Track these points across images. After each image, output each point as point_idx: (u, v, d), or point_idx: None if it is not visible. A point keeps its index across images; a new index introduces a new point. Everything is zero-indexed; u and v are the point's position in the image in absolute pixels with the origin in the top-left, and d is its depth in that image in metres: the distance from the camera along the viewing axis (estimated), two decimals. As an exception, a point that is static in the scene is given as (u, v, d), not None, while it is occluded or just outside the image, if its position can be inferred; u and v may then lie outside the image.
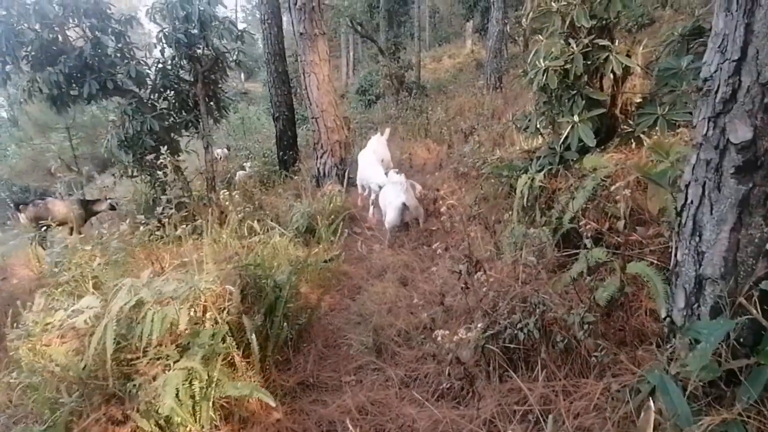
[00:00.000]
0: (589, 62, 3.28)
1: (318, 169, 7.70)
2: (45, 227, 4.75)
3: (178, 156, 7.20)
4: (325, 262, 4.46)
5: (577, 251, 2.54)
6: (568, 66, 3.25)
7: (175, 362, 2.37)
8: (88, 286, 2.99)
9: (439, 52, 23.99)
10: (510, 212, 3.49)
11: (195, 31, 6.71)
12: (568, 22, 3.27)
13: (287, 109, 10.16)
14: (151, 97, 7.00)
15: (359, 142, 8.98)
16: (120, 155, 6.95)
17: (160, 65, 6.99)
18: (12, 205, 6.95)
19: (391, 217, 4.83)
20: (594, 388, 1.83)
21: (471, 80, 14.58)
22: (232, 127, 16.83)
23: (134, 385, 2.32)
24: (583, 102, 3.30)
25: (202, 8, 6.61)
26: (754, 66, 1.41)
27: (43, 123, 14.24)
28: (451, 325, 3.07)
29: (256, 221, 4.68)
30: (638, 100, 3.60)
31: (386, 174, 5.68)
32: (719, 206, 1.52)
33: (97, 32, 6.41)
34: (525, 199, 3.43)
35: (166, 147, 4.99)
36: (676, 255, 1.73)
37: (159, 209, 3.98)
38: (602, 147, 3.53)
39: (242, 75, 28.52)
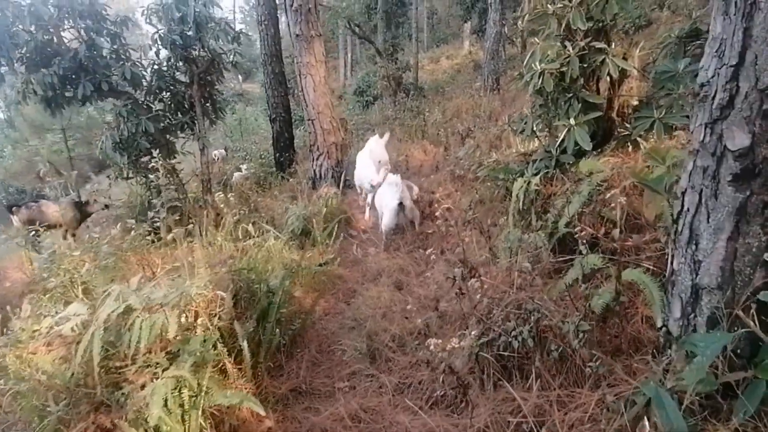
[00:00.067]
0: (585, 65, 3.25)
1: (314, 171, 7.66)
2: (34, 231, 4.69)
3: (174, 158, 7.18)
4: (320, 265, 4.42)
5: (573, 256, 2.51)
6: (564, 69, 3.22)
7: (164, 370, 2.33)
8: (78, 292, 2.95)
9: (436, 54, 23.98)
10: (506, 216, 3.45)
11: (190, 32, 6.66)
12: (564, 25, 3.24)
13: (284, 110, 10.14)
14: (147, 98, 6.96)
15: (356, 144, 8.94)
16: (115, 157, 6.92)
17: (155, 67, 6.95)
18: (5, 207, 6.89)
19: (386, 219, 4.79)
20: (589, 398, 1.80)
21: (469, 81, 14.56)
22: (230, 128, 16.80)
23: (122, 394, 2.28)
24: (580, 105, 3.27)
25: (197, 10, 6.58)
26: (752, 71, 1.38)
27: (38, 124, 14.19)
28: (445, 331, 3.04)
29: (251, 224, 4.64)
30: (635, 103, 3.57)
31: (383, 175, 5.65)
32: (716, 214, 1.48)
33: (92, 33, 6.37)
34: (521, 203, 3.40)
35: (158, 150, 4.93)
36: (672, 263, 1.70)
37: (150, 213, 3.93)
38: (599, 150, 3.50)
39: (240, 76, 28.45)
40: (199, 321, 2.68)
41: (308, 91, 7.26)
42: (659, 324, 1.75)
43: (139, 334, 2.22)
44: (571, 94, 3.37)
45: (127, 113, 6.53)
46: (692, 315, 1.57)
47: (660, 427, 1.30)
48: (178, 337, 2.48)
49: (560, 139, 3.37)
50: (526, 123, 3.83)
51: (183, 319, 2.59)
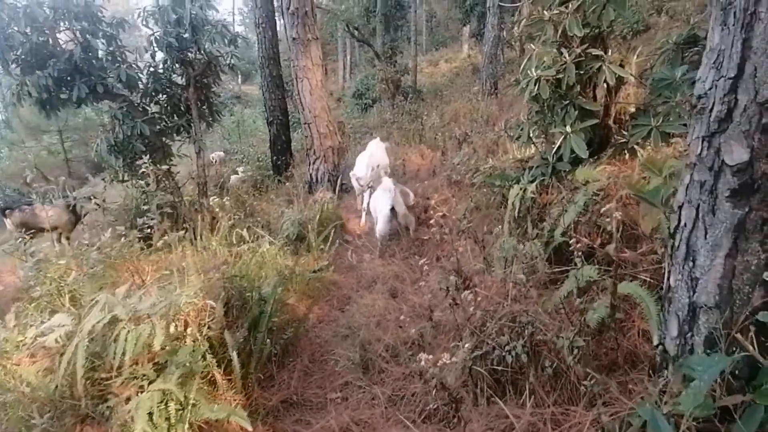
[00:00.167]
0: (581, 72, 3.21)
1: (310, 175, 7.62)
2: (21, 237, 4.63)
3: (170, 161, 7.12)
4: (314, 272, 4.37)
5: (569, 267, 2.46)
6: (560, 76, 3.18)
7: (150, 382, 2.28)
8: (64, 301, 2.89)
9: (435, 57, 23.98)
10: (502, 224, 3.41)
11: (187, 35, 6.62)
12: (560, 31, 3.20)
13: (281, 113, 10.09)
14: (143, 101, 6.90)
15: (353, 148, 8.90)
16: (110, 160, 6.85)
17: (151, 69, 6.90)
18: (-1, 209, 6.83)
19: (380, 225, 4.76)
20: (584, 417, 1.75)
21: (467, 85, 14.55)
22: (228, 130, 16.75)
23: (108, 407, 2.23)
24: (576, 112, 3.23)
25: (194, 12, 6.53)
26: (751, 84, 1.33)
27: (34, 126, 14.13)
28: (440, 341, 2.99)
29: (245, 229, 4.60)
30: (632, 110, 3.53)
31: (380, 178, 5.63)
32: (714, 230, 1.44)
33: (87, 35, 6.32)
34: (516, 211, 3.36)
35: (154, 153, 4.88)
36: (668, 279, 1.65)
37: (140, 220, 3.88)
38: (595, 158, 3.46)
39: (239, 78, 28.44)
40: (189, 330, 2.64)
41: (305, 94, 7.22)
42: (656, 342, 1.70)
43: (125, 346, 2.17)
44: (567, 101, 3.33)
45: (123, 116, 6.47)
46: (689, 334, 1.53)
47: (655, 453, 1.26)
48: (167, 347, 2.44)
49: (556, 146, 3.33)
50: (522, 129, 3.79)
51: (172, 329, 2.54)
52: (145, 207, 4.57)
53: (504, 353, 2.08)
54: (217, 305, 2.80)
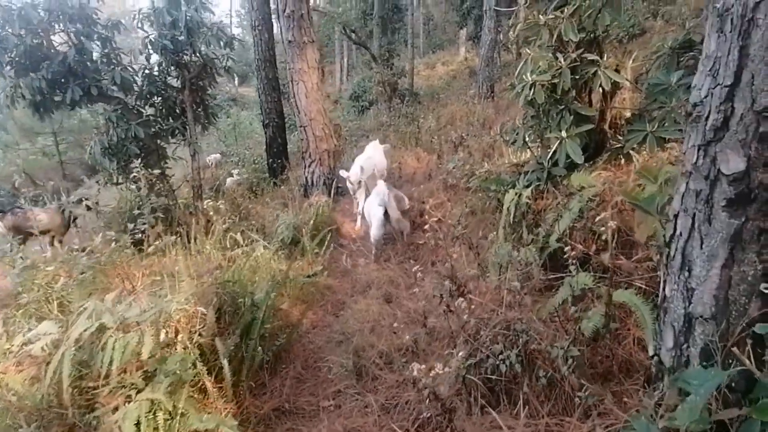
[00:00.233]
0: (577, 77, 3.19)
1: (306, 178, 7.58)
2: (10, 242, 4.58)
3: (165, 163, 7.08)
4: (308, 277, 4.34)
5: (564, 274, 2.44)
6: (555, 80, 3.16)
7: (138, 391, 2.24)
8: (53, 308, 2.85)
9: (432, 59, 24.00)
10: (497, 229, 3.39)
11: (182, 37, 6.58)
12: (556, 36, 3.18)
13: (277, 116, 10.06)
14: (137, 103, 6.86)
15: (350, 151, 8.88)
16: (104, 162, 6.81)
17: (146, 71, 6.86)
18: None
19: (373, 229, 4.74)
20: (578, 429, 1.72)
21: (464, 87, 14.54)
22: (224, 132, 16.70)
23: (94, 417, 2.19)
24: (572, 117, 3.22)
25: (189, 15, 6.50)
26: (748, 92, 1.31)
27: (29, 128, 14.05)
28: (434, 348, 2.96)
29: (239, 233, 4.56)
30: (628, 115, 3.52)
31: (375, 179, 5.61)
32: (710, 240, 1.41)
33: (82, 37, 6.28)
34: (512, 216, 3.33)
35: (143, 158, 4.84)
36: (664, 289, 1.62)
37: (131, 225, 3.84)
38: (591, 162, 3.44)
39: (236, 80, 28.40)
40: (179, 338, 2.60)
41: (300, 97, 7.19)
42: (651, 352, 1.67)
43: (112, 355, 2.13)
44: (562, 106, 3.31)
45: (117, 118, 6.42)
46: (685, 345, 1.50)
47: (650, 468, 1.23)
48: (157, 355, 2.40)
49: (552, 151, 3.31)
50: (518, 134, 3.77)
51: (162, 336, 2.50)
52: (137, 212, 4.51)
53: (498, 362, 2.05)
54: (209, 312, 2.77)
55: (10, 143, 15.18)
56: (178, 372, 2.33)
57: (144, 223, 3.70)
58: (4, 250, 3.29)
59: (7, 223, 6.52)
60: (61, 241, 6.93)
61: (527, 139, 3.78)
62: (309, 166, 7.48)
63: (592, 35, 3.31)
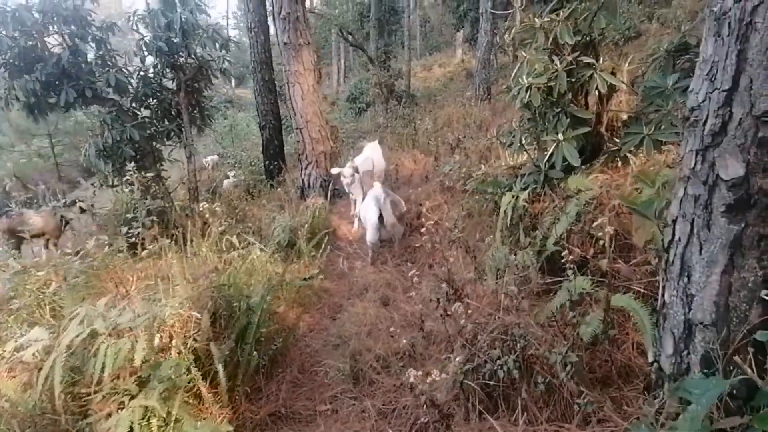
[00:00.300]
0: (573, 80, 3.18)
1: (303, 180, 7.56)
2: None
3: (161, 165, 7.05)
4: (305, 279, 4.31)
5: (562, 278, 2.42)
6: (551, 83, 3.15)
7: (132, 398, 2.21)
8: (45, 313, 2.81)
9: (429, 61, 24.01)
10: (494, 232, 3.37)
11: (177, 39, 6.55)
12: (551, 39, 3.17)
13: (274, 117, 10.04)
14: (132, 105, 6.83)
15: (346, 153, 8.86)
16: (99, 164, 6.78)
17: (142, 73, 6.83)
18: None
19: (369, 234, 4.73)
20: (577, 436, 1.71)
21: (461, 89, 14.54)
22: (221, 134, 16.65)
23: (87, 424, 2.16)
24: (568, 120, 3.21)
25: (184, 17, 6.47)
26: (747, 96, 1.29)
27: (24, 129, 13.96)
28: (431, 352, 2.94)
29: (235, 236, 4.53)
30: (624, 118, 3.51)
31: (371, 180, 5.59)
32: (709, 246, 1.40)
33: (76, 39, 6.25)
34: (509, 219, 3.32)
35: (139, 160, 4.81)
36: (663, 295, 1.61)
37: (124, 229, 3.80)
38: (588, 165, 3.43)
39: (232, 81, 28.35)
40: (173, 343, 2.57)
41: (296, 99, 7.17)
42: (651, 359, 1.66)
43: (104, 361, 2.10)
44: (559, 109, 3.31)
45: (112, 120, 6.40)
46: (685, 352, 1.49)
47: (650, 477, 1.21)
48: (150, 360, 2.37)
49: (548, 154, 3.30)
50: (514, 136, 3.76)
51: (156, 341, 2.47)
52: (129, 215, 4.47)
53: (496, 368, 2.03)
54: (204, 316, 2.74)
55: (6, 145, 15.08)
56: (172, 377, 2.31)
57: (138, 227, 3.66)
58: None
59: (2, 225, 6.47)
60: (56, 244, 6.89)
61: (524, 141, 3.77)
62: (305, 168, 7.46)
63: (587, 38, 3.30)
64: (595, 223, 1.93)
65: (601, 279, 2.30)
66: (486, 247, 3.34)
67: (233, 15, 42.92)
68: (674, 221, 1.54)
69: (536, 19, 3.24)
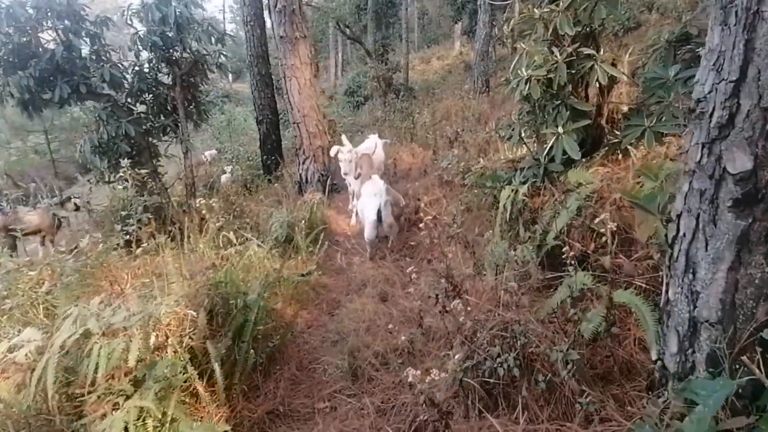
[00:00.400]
0: (573, 71, 3.13)
1: (300, 175, 7.51)
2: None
3: (157, 161, 6.99)
4: (302, 275, 4.27)
5: (562, 274, 2.39)
6: (551, 75, 3.10)
7: (127, 398, 2.18)
8: (38, 312, 2.77)
9: (427, 54, 23.88)
10: (493, 227, 3.33)
11: (171, 33, 6.48)
12: (551, 30, 3.12)
13: (271, 112, 9.96)
14: (128, 101, 6.76)
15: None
16: (94, 161, 6.71)
17: (137, 68, 6.76)
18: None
19: (366, 232, 4.70)
20: (579, 435, 1.67)
21: (459, 82, 14.46)
22: (217, 129, 16.56)
23: (82, 425, 2.13)
24: (568, 113, 3.16)
25: (179, 11, 6.39)
26: (755, 88, 1.25)
27: (19, 125, 13.87)
28: (430, 348, 2.91)
29: (232, 232, 4.49)
30: (625, 110, 3.46)
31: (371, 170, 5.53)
32: (715, 242, 1.36)
33: (70, 34, 6.17)
34: (508, 213, 3.28)
35: (135, 156, 4.76)
36: (667, 292, 1.57)
37: (118, 227, 3.76)
38: (588, 158, 3.39)
39: (230, 76, 28.17)
40: (168, 341, 2.54)
41: (293, 93, 7.10)
42: (654, 357, 1.62)
43: (97, 361, 2.07)
44: (559, 101, 3.26)
45: (107, 116, 6.34)
46: (690, 351, 1.45)
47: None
48: (145, 360, 2.34)
49: (548, 147, 3.26)
50: (513, 129, 3.71)
51: (152, 340, 2.44)
52: (124, 213, 4.43)
53: (496, 365, 1.99)
54: (200, 314, 2.70)
55: (1, 141, 14.99)
56: (167, 377, 2.28)
57: (132, 224, 3.62)
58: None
59: (-2, 222, 6.44)
60: (52, 241, 6.85)
61: (523, 134, 3.72)
62: (303, 163, 7.41)
63: (588, 29, 3.25)
64: (597, 219, 1.89)
65: (602, 274, 2.27)
66: (485, 242, 3.31)
67: (229, 9, 42.62)
68: (679, 216, 1.50)
69: (535, 10, 3.19)
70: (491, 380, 2.05)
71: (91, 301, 2.36)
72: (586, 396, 1.71)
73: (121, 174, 4.11)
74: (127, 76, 6.69)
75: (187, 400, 2.47)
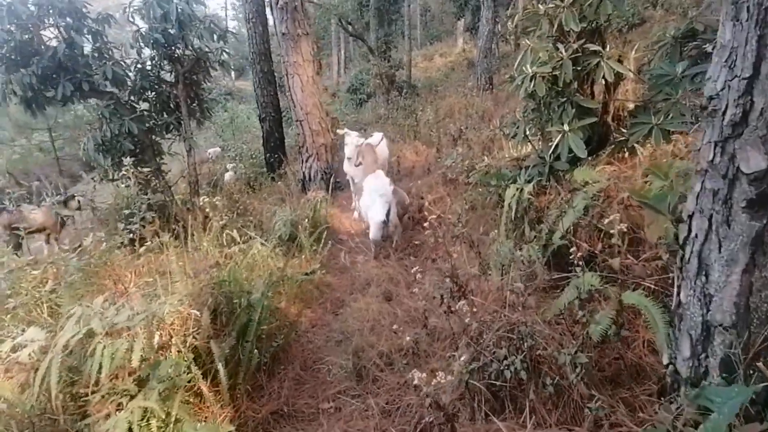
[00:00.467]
0: (579, 68, 3.10)
1: (303, 173, 7.49)
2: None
3: (161, 159, 6.99)
4: (306, 274, 4.26)
5: (569, 274, 2.36)
6: (557, 72, 3.06)
7: (131, 398, 2.16)
8: (43, 312, 2.76)
9: (430, 51, 23.79)
10: (498, 226, 3.30)
11: (173, 30, 6.45)
12: (556, 26, 3.08)
13: (273, 110, 9.93)
14: (131, 98, 6.74)
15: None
16: (98, 159, 6.71)
17: (139, 66, 6.74)
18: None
19: (372, 232, 4.68)
20: (588, 440, 1.65)
21: (462, 79, 14.39)
22: (221, 127, 16.55)
23: (86, 425, 2.12)
24: (574, 110, 3.12)
25: (180, 8, 6.36)
26: (769, 85, 1.22)
27: (24, 123, 13.88)
28: (435, 349, 2.89)
29: (236, 230, 4.47)
30: (631, 107, 3.42)
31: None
32: (729, 244, 1.33)
33: (72, 32, 6.15)
34: (513, 212, 3.25)
35: (138, 154, 4.75)
36: (678, 294, 1.54)
37: (120, 225, 3.75)
38: (594, 156, 3.35)
39: (233, 73, 28.15)
40: (172, 341, 2.52)
41: (296, 91, 7.07)
42: (666, 361, 1.59)
43: (101, 362, 2.06)
44: (564, 99, 3.22)
45: (110, 114, 6.33)
46: (703, 355, 1.42)
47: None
48: (149, 360, 2.33)
49: (554, 145, 3.23)
50: (518, 127, 3.68)
51: (156, 339, 2.43)
52: (128, 211, 4.42)
53: (502, 367, 1.97)
54: (203, 313, 2.69)
55: (5, 140, 15.00)
56: (171, 377, 2.26)
57: (135, 223, 3.60)
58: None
59: (3, 221, 6.44)
60: (57, 239, 6.86)
61: (528, 132, 3.69)
62: (306, 161, 7.38)
63: (593, 25, 3.21)
64: (607, 220, 1.86)
65: (610, 275, 2.24)
66: (490, 241, 3.28)
67: (231, 5, 42.56)
68: (690, 217, 1.46)
69: (540, 6, 3.15)
70: (498, 383, 2.03)
71: (94, 300, 2.35)
72: (595, 401, 1.68)
73: (125, 172, 4.09)
74: (130, 73, 6.66)
75: (191, 400, 2.46)
